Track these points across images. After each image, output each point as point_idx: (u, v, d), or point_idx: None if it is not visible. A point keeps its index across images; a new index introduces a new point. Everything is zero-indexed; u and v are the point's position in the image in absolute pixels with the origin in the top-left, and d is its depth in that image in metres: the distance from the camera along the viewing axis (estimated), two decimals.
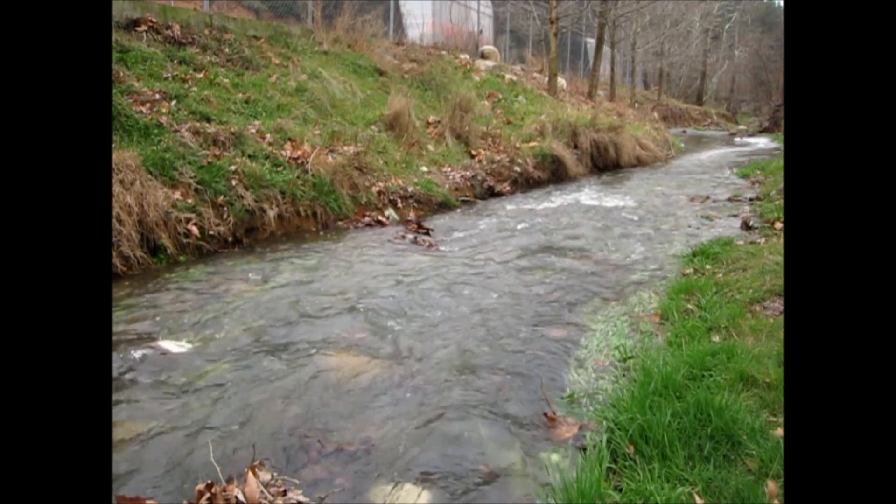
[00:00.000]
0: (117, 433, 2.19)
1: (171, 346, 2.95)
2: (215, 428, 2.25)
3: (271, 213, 5.22)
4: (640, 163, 12.00)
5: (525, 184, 8.74)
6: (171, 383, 2.58)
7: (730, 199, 7.85)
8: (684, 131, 22.77)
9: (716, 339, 3.00)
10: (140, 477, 1.97)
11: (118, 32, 6.50)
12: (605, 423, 2.27)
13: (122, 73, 5.75)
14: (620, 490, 1.91)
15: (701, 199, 7.93)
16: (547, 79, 15.68)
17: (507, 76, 14.42)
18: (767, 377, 2.48)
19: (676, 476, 1.93)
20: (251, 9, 14.67)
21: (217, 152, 5.31)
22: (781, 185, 7.53)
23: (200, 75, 6.67)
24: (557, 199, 7.87)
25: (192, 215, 4.66)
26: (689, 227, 6.17)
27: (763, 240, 5.14)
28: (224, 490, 1.83)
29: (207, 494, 1.81)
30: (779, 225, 5.60)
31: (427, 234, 5.59)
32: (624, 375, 2.77)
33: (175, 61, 6.66)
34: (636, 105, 21.43)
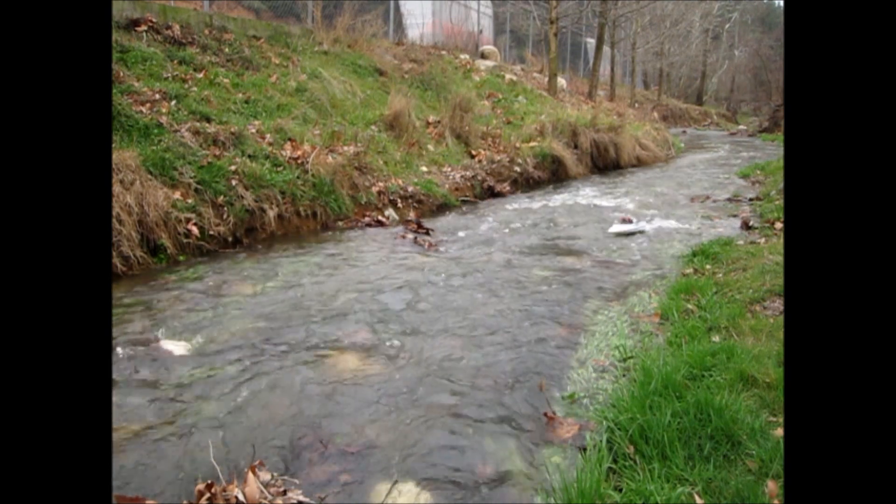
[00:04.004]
0: (117, 433, 2.19)
1: (172, 346, 2.95)
2: (215, 428, 2.25)
3: (271, 213, 5.22)
4: (640, 163, 12.00)
5: (525, 184, 8.74)
6: (171, 383, 2.58)
7: (730, 199, 7.85)
8: (684, 131, 22.76)
9: (716, 339, 3.00)
10: (140, 477, 1.97)
11: (118, 32, 6.50)
12: (605, 423, 2.27)
13: (122, 73, 5.75)
14: (620, 490, 1.91)
15: (701, 200, 7.94)
16: (547, 79, 15.69)
17: (507, 76, 14.43)
18: (767, 377, 2.48)
19: (676, 476, 1.93)
20: (251, 9, 14.68)
21: (217, 152, 5.31)
22: (781, 185, 7.53)
23: (200, 75, 6.67)
24: (557, 198, 7.87)
25: (192, 215, 4.66)
26: (689, 226, 6.17)
27: (763, 240, 5.14)
28: (224, 490, 1.83)
29: (207, 494, 1.81)
30: (779, 225, 5.60)
31: (427, 234, 5.59)
32: (624, 375, 2.76)
33: (175, 61, 6.66)
34: (636, 105, 21.43)
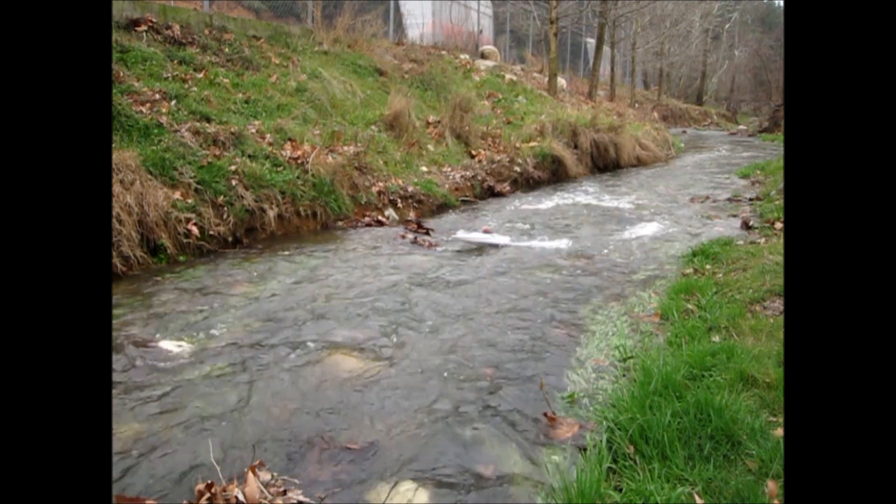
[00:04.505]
0: (117, 433, 2.19)
1: (171, 346, 2.95)
2: (215, 428, 2.25)
3: (271, 213, 5.22)
4: (640, 163, 12.00)
5: (525, 184, 8.74)
6: (170, 383, 2.58)
7: (730, 199, 7.86)
8: (684, 131, 22.77)
9: (716, 339, 3.00)
10: (140, 477, 1.97)
11: (118, 32, 6.50)
12: (605, 423, 2.27)
13: (122, 73, 5.75)
14: (620, 490, 1.91)
15: (701, 199, 7.94)
16: (547, 79, 15.69)
17: (507, 76, 14.43)
18: (767, 377, 2.48)
19: (676, 476, 1.93)
20: (251, 9, 14.68)
21: (217, 152, 5.31)
22: (781, 185, 7.53)
23: (200, 75, 6.67)
24: (557, 198, 7.87)
25: (192, 215, 4.66)
26: (689, 226, 6.17)
27: (763, 240, 5.14)
28: (224, 490, 1.83)
29: (207, 494, 1.81)
30: (779, 225, 5.60)
31: (427, 234, 5.59)
32: (624, 375, 2.76)
33: (175, 61, 6.66)
34: (636, 105, 21.43)
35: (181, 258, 4.47)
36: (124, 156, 4.46)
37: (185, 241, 4.55)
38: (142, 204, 4.29)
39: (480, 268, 4.47)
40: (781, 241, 4.77)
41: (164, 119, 5.32)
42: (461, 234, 5.31)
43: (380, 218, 6.09)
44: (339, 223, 5.80)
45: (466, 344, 3.08)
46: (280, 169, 5.60)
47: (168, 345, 2.96)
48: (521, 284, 4.09)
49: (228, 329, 3.17)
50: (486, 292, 3.90)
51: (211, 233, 4.72)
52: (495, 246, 5.01)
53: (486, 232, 5.30)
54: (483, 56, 16.05)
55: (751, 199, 7.71)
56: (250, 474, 1.89)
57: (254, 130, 6.00)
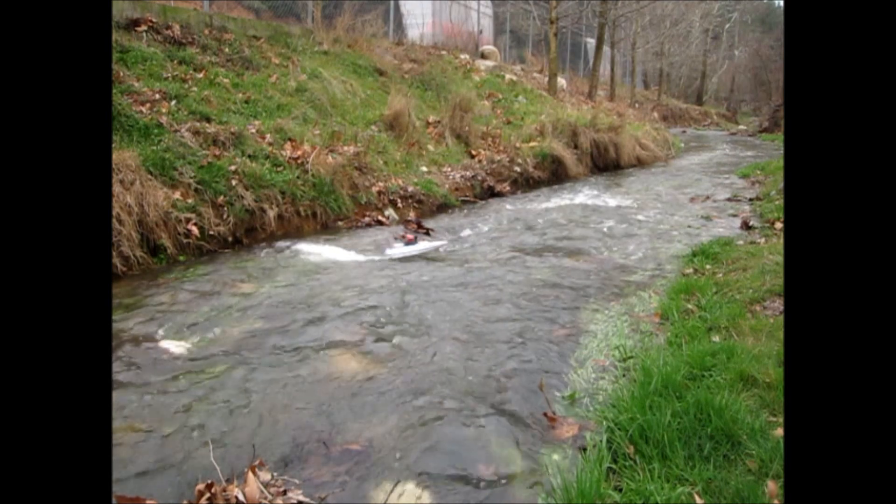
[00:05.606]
0: (117, 433, 2.19)
1: (171, 346, 2.95)
2: (215, 428, 2.25)
3: (271, 213, 5.22)
4: (640, 163, 12.00)
5: (525, 184, 8.74)
6: (170, 383, 2.58)
7: (730, 199, 7.86)
8: (684, 131, 22.77)
9: (716, 339, 3.00)
10: (140, 477, 1.97)
11: (118, 32, 6.50)
12: (605, 423, 2.27)
13: (122, 73, 5.75)
14: (620, 490, 1.91)
15: (701, 199, 7.94)
16: (547, 79, 15.68)
17: (507, 76, 14.43)
18: (767, 377, 2.48)
19: (676, 476, 1.93)
20: (251, 9, 14.67)
21: (217, 152, 5.31)
22: (781, 185, 7.53)
23: (200, 75, 6.67)
24: (557, 198, 7.87)
25: (192, 215, 4.66)
26: (689, 226, 6.17)
27: (763, 240, 5.14)
28: (224, 490, 1.83)
29: (207, 494, 1.81)
30: (779, 225, 5.60)
31: (427, 234, 5.59)
32: (624, 375, 2.76)
33: (175, 61, 6.66)
34: (636, 105, 21.44)
35: (181, 258, 4.47)
36: (124, 156, 4.46)
37: (185, 241, 4.55)
38: (142, 204, 4.29)
39: (479, 268, 4.47)
40: (781, 241, 4.77)
41: (164, 119, 5.32)
42: (396, 248, 5.07)
43: (380, 218, 6.09)
44: (340, 223, 5.80)
45: (466, 343, 3.07)
46: (280, 169, 5.60)
47: (168, 345, 2.96)
48: (520, 284, 4.09)
49: (228, 329, 3.17)
50: (485, 292, 3.89)
51: (211, 233, 4.72)
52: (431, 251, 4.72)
53: (409, 242, 5.17)
54: (483, 56, 16.05)
55: (751, 199, 7.71)
56: (250, 474, 1.89)
57: (254, 130, 6.01)
